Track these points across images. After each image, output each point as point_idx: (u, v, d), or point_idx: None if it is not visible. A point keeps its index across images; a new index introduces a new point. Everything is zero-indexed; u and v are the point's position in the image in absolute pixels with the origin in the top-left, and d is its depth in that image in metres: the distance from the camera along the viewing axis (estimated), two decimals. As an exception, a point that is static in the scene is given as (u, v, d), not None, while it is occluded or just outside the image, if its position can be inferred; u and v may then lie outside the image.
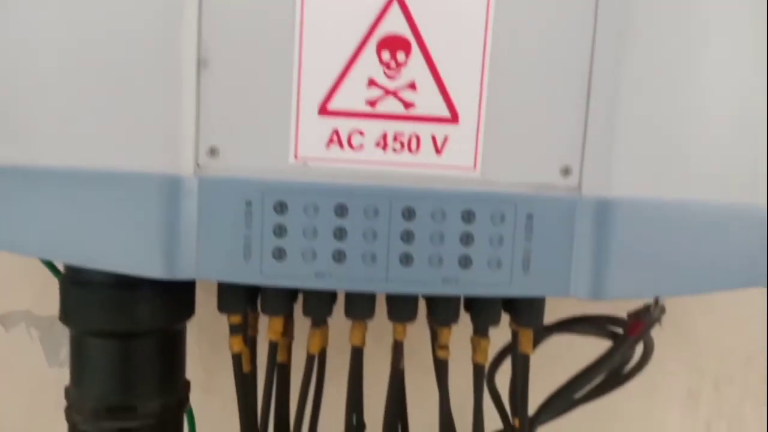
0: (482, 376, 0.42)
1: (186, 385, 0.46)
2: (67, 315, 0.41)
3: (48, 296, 0.44)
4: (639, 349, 0.51)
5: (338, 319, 0.42)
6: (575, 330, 0.46)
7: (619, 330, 0.45)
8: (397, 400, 0.43)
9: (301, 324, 0.44)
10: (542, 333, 0.46)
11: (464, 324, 0.42)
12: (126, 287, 0.40)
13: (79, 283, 0.40)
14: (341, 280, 0.36)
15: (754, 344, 0.70)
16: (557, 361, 0.53)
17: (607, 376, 0.52)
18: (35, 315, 0.68)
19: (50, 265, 0.46)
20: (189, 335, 0.68)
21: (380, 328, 0.42)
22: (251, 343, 0.46)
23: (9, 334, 0.69)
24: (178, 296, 0.42)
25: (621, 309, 0.46)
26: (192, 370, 0.50)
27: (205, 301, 0.67)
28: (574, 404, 0.55)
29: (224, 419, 0.49)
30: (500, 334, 0.44)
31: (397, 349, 0.41)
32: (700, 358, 0.71)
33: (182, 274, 0.36)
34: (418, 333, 0.48)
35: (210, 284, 0.42)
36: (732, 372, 0.71)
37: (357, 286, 0.37)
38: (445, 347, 0.41)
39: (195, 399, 0.52)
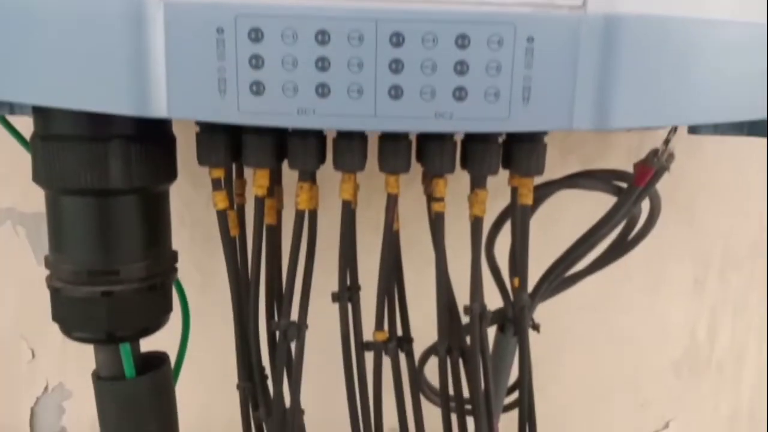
0: (480, 231, 0.40)
1: (173, 256, 0.44)
2: (39, 174, 0.39)
3: (33, 193, 0.41)
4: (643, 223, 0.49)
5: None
6: (579, 184, 0.44)
7: (625, 185, 0.43)
8: (392, 261, 0.41)
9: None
10: (545, 189, 0.43)
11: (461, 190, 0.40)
12: (98, 140, 0.37)
13: (50, 137, 0.38)
14: (326, 117, 0.33)
15: (761, 229, 0.68)
16: (558, 235, 0.51)
17: (611, 244, 0.50)
18: (21, 212, 0.67)
19: (18, 136, 0.43)
20: (182, 235, 0.67)
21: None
22: (239, 211, 0.44)
23: (-5, 232, 0.67)
24: (155, 154, 0.39)
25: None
26: (186, 272, 0.48)
27: (198, 198, 0.66)
28: (576, 277, 0.53)
29: (220, 322, 0.47)
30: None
31: (390, 204, 0.39)
32: (706, 246, 0.69)
33: (153, 111, 0.33)
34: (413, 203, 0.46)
35: (203, 177, 0.40)
36: (738, 259, 0.69)
37: (343, 123, 0.34)
38: (441, 200, 0.39)
39: (190, 302, 0.50)
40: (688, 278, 0.70)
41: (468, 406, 0.44)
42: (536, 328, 0.50)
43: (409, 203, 0.46)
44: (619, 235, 0.48)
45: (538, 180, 0.41)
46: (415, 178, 0.42)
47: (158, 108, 0.33)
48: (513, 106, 0.33)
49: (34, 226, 0.67)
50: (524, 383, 0.47)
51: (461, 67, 0.33)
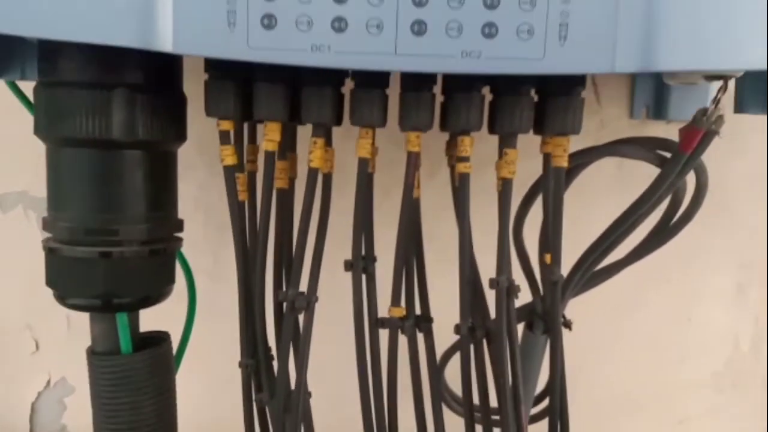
0: (509, 196, 0.36)
1: (178, 223, 0.41)
2: (40, 124, 0.36)
3: (44, 177, 0.39)
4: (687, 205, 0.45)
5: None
6: (619, 152, 0.40)
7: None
8: (412, 228, 0.38)
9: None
10: (581, 157, 0.40)
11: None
12: (102, 87, 0.35)
13: (52, 84, 0.36)
14: (342, 55, 0.31)
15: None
16: (592, 219, 0.47)
17: (652, 229, 0.46)
18: (32, 196, 0.65)
19: (26, 101, 0.42)
20: (194, 220, 0.64)
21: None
22: (250, 178, 0.41)
23: (6, 216, 0.65)
24: (162, 108, 0.37)
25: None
26: (197, 257, 0.46)
27: (212, 182, 0.64)
28: (613, 269, 0.49)
29: (231, 308, 0.45)
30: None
31: (411, 162, 0.36)
32: (750, 248, 0.64)
33: (158, 44, 0.31)
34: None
35: (219, 164, 0.38)
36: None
37: (360, 62, 0.31)
38: (466, 160, 0.36)
39: (200, 288, 0.48)
40: (731, 283, 0.65)
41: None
42: (568, 325, 0.46)
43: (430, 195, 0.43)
44: (661, 217, 0.44)
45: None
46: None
47: (164, 41, 0.31)
48: (548, 45, 0.30)
49: (45, 210, 0.65)
50: (555, 386, 0.43)
51: (491, 0, 0.30)
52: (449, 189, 0.41)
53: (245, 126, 0.41)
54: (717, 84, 0.37)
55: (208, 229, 0.65)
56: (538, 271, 0.47)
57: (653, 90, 0.61)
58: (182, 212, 0.43)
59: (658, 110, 0.60)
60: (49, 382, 0.69)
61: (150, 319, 0.43)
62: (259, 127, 0.39)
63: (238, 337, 0.42)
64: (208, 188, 0.63)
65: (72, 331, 0.67)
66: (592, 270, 0.48)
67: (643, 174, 0.42)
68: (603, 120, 0.61)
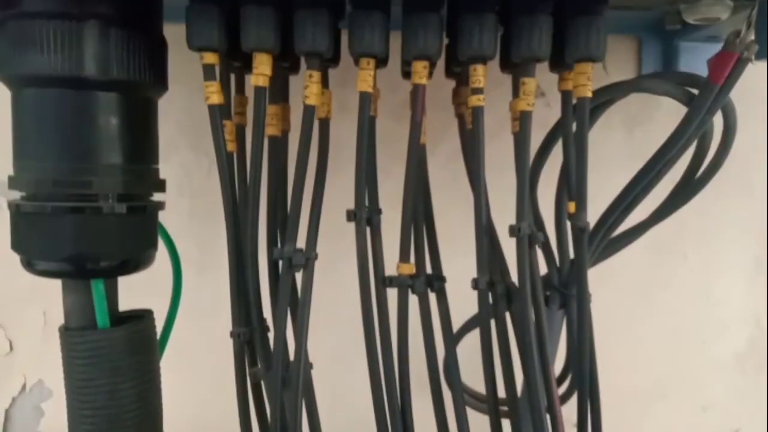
0: (527, 132, 0.33)
1: (159, 182, 0.37)
2: (3, 62, 0.32)
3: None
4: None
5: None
6: (645, 87, 0.37)
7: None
8: (419, 174, 0.34)
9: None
10: (604, 93, 0.36)
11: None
12: (71, 17, 0.31)
13: (17, 16, 0.32)
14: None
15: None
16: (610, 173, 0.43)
17: (678, 183, 0.42)
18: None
19: None
20: (179, 206, 0.60)
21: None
22: (239, 131, 0.38)
23: None
24: (140, 46, 0.33)
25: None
26: (183, 247, 0.42)
27: (198, 165, 0.60)
28: (636, 232, 0.45)
29: (219, 300, 0.41)
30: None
31: (418, 95, 0.32)
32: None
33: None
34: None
35: (205, 143, 0.34)
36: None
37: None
38: (480, 91, 0.32)
39: (187, 280, 0.44)
40: (750, 256, 0.61)
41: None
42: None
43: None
44: (687, 167, 0.41)
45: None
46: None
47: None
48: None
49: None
50: (585, 358, 0.38)
51: None
52: (450, 165, 0.37)
53: (233, 79, 0.38)
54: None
55: (194, 215, 0.61)
56: (553, 239, 0.44)
57: (661, 54, 0.58)
58: (165, 198, 0.39)
59: (667, 76, 0.57)
60: (24, 385, 0.64)
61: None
62: (249, 88, 0.36)
63: (227, 334, 0.38)
64: (192, 169, 0.59)
65: (49, 329, 0.62)
66: (612, 233, 0.45)
67: (655, 139, 0.39)
68: (610, 88, 0.58)
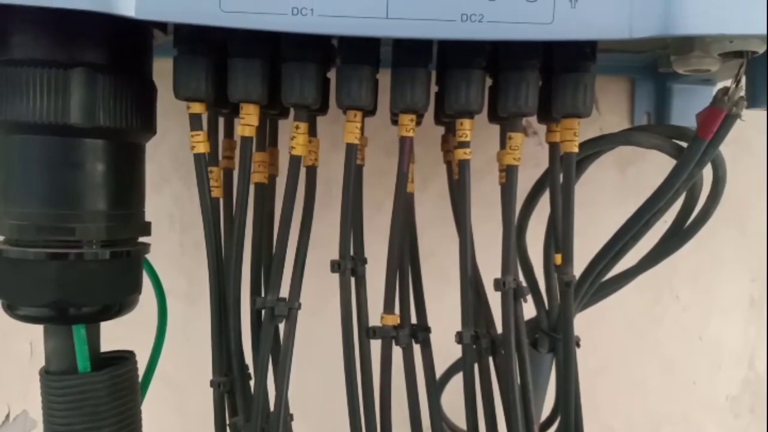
0: (514, 186, 0.33)
1: (144, 226, 0.37)
2: (-11, 109, 0.32)
3: None
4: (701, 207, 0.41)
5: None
6: (633, 140, 0.37)
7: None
8: (406, 225, 0.34)
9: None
10: (591, 145, 0.36)
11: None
12: (59, 66, 0.31)
13: (3, 63, 0.32)
14: (326, 19, 0.27)
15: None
16: (599, 221, 0.43)
17: (667, 231, 0.42)
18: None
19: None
20: (169, 238, 0.60)
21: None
22: (227, 175, 0.37)
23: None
24: (127, 93, 0.33)
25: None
26: (173, 279, 0.42)
27: (190, 198, 0.60)
28: (625, 277, 0.45)
29: (208, 333, 0.40)
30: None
31: (405, 149, 0.32)
32: (763, 258, 0.60)
33: (119, 8, 0.27)
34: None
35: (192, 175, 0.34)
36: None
37: (347, 27, 0.28)
38: (466, 145, 0.32)
39: (177, 312, 0.43)
40: (743, 296, 0.61)
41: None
42: (576, 342, 0.42)
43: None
44: (676, 217, 0.41)
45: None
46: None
47: (125, 5, 0.27)
48: (558, 7, 0.27)
49: None
50: (570, 405, 0.38)
51: (494, -42, 0.27)
52: (441, 202, 0.37)
53: (221, 122, 0.38)
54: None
55: (185, 248, 0.61)
56: (542, 284, 0.43)
57: (654, 96, 0.59)
58: (156, 230, 0.39)
59: (660, 117, 0.57)
60: (8, 416, 0.63)
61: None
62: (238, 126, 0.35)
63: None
64: (184, 202, 0.59)
65: (35, 360, 0.61)
66: (600, 279, 0.44)
67: (648, 179, 0.39)
68: (602, 128, 0.58)
